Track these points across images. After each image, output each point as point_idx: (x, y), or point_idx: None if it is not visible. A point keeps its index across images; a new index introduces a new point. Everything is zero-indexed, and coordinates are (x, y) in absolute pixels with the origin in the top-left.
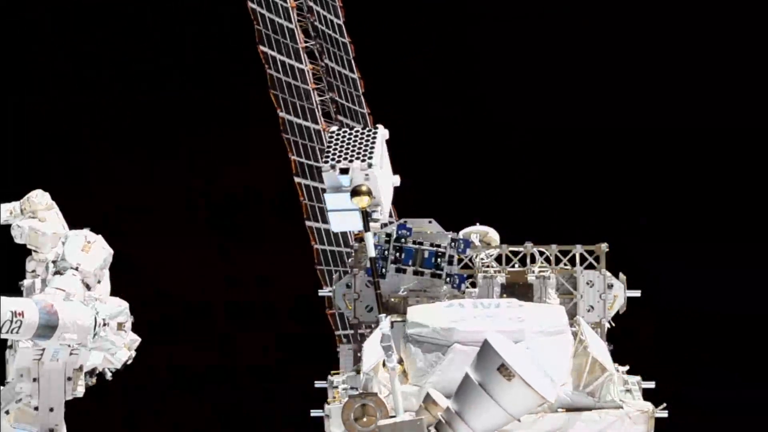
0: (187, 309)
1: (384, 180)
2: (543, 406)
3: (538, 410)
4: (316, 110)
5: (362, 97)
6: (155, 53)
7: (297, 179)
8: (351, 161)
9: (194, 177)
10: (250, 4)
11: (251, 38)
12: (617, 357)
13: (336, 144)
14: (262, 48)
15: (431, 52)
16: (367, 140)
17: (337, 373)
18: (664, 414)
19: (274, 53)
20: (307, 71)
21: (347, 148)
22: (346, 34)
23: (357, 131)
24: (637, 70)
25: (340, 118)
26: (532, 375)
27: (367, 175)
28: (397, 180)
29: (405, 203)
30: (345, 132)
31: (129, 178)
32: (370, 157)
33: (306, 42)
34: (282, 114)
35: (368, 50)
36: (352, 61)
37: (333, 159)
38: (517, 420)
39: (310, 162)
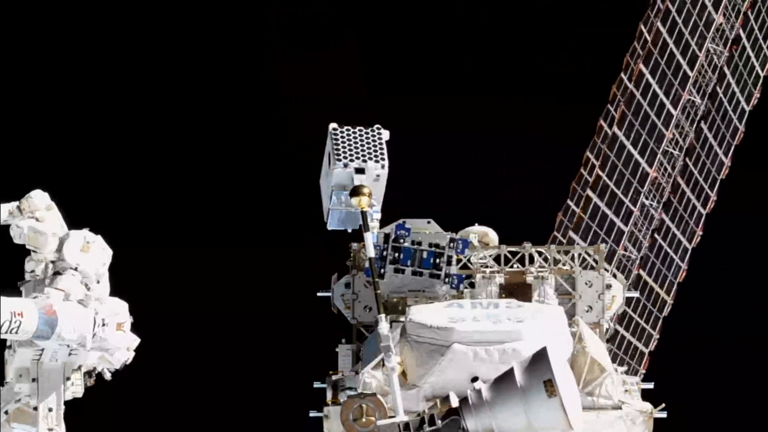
0: (186, 309)
1: None
2: None
3: None
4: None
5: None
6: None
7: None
8: (365, 161)
9: (190, 177)
10: None
11: None
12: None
13: (343, 143)
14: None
15: None
16: (374, 141)
17: (336, 374)
18: (663, 414)
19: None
20: (705, 56)
21: (357, 148)
22: None
23: (361, 131)
24: None
25: (702, 126)
26: (570, 401)
27: (378, 176)
28: None
29: (404, 203)
30: (348, 131)
31: (129, 178)
32: (383, 159)
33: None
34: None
35: None
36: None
37: (345, 158)
38: None
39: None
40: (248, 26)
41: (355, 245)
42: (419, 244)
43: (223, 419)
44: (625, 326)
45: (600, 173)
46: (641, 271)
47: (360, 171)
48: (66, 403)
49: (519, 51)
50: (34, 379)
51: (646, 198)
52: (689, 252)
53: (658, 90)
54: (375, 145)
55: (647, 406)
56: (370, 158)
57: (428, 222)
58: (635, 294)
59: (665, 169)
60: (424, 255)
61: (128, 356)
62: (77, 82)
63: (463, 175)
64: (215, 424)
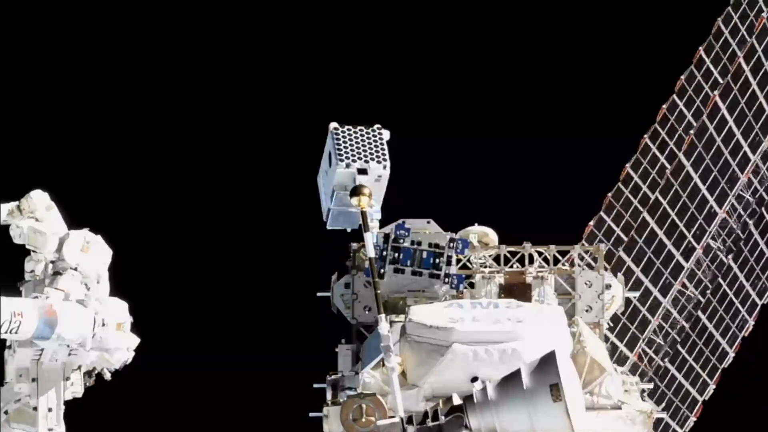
0: (186, 309)
1: None
2: None
3: None
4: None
5: None
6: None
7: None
8: (367, 162)
9: (190, 177)
10: None
11: None
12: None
13: (345, 142)
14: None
15: None
16: (376, 141)
17: (336, 374)
18: (663, 414)
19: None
20: None
21: (359, 148)
22: None
23: (362, 130)
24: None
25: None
26: (575, 407)
27: (379, 176)
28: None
29: (404, 203)
30: (349, 131)
31: (129, 178)
32: (385, 160)
33: None
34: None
35: None
36: None
37: (348, 158)
38: None
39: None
40: (248, 26)
41: (355, 245)
42: (419, 244)
43: (223, 419)
44: (678, 366)
45: (661, 199)
46: (701, 314)
47: (362, 171)
48: (66, 403)
49: (519, 51)
50: (34, 379)
51: (714, 239)
52: (758, 307)
53: (734, 128)
54: (376, 146)
55: (647, 406)
56: (372, 159)
57: (428, 222)
58: (635, 294)
59: (739, 215)
60: (424, 255)
61: (128, 356)
62: (77, 82)
63: (463, 175)
64: (215, 424)
